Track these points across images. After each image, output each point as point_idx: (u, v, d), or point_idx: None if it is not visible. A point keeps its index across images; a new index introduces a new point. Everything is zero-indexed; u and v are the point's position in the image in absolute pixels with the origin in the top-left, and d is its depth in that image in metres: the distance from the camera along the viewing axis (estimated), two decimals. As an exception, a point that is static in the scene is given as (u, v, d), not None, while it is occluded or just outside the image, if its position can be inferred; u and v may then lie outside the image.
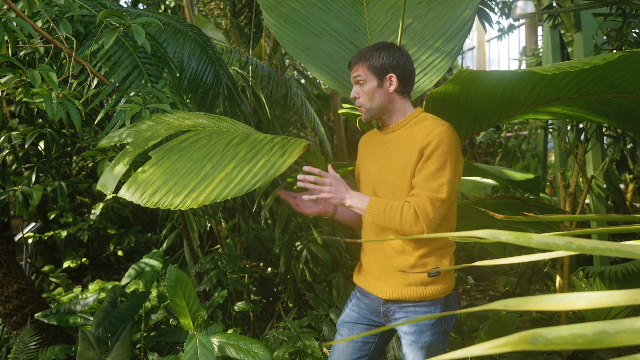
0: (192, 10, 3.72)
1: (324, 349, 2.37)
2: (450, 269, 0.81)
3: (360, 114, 1.57)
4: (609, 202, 3.57)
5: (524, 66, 8.17)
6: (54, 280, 3.70)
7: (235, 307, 2.31)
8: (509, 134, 6.47)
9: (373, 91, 1.51)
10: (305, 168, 1.36)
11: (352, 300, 1.65)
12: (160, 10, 4.12)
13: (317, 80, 4.55)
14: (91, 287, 3.07)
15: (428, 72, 1.99)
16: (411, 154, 1.45)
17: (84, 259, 4.11)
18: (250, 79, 2.87)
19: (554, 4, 2.92)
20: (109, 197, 3.83)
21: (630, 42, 2.40)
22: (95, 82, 1.80)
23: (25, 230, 3.74)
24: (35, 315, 2.27)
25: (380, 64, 1.50)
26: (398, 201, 1.42)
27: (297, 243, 2.74)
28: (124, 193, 1.49)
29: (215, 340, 1.71)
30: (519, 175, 2.58)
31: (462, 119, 1.89)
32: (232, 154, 1.49)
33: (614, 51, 2.41)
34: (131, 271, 2.49)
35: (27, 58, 1.91)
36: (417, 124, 1.51)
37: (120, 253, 4.23)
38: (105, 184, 1.58)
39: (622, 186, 4.28)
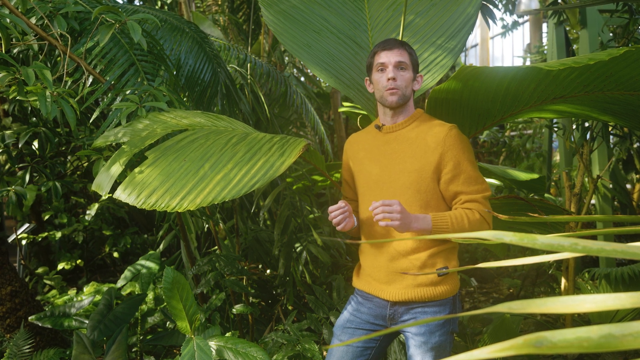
0: (190, 7, 3.69)
1: (324, 353, 2.33)
2: (456, 270, 0.79)
3: (361, 112, 1.54)
4: (615, 203, 3.53)
5: (528, 63, 8.11)
6: (48, 282, 3.65)
7: (234, 310, 2.27)
8: (513, 133, 6.41)
9: (409, 81, 1.52)
10: (375, 204, 1.33)
11: (352, 305, 1.62)
12: (156, 7, 4.08)
13: (317, 78, 4.52)
14: (86, 289, 3.02)
15: (430, 70, 1.96)
16: (425, 154, 1.47)
17: (79, 261, 4.05)
18: (248, 76, 2.83)
19: (559, 0, 2.88)
20: (104, 197, 3.78)
21: (637, 39, 2.36)
22: (90, 80, 1.76)
23: (19, 232, 3.70)
24: (29, 318, 2.23)
25: (417, 60, 1.56)
26: (456, 210, 1.45)
27: (297, 244, 2.70)
28: (120, 194, 1.46)
29: (213, 344, 1.68)
30: (523, 175, 2.52)
31: (465, 117, 1.85)
32: (230, 154, 1.46)
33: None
34: (127, 273, 2.46)
35: (20, 55, 1.87)
36: (422, 124, 1.53)
37: (116, 255, 4.19)
38: (101, 184, 1.55)
39: (628, 186, 4.23)
